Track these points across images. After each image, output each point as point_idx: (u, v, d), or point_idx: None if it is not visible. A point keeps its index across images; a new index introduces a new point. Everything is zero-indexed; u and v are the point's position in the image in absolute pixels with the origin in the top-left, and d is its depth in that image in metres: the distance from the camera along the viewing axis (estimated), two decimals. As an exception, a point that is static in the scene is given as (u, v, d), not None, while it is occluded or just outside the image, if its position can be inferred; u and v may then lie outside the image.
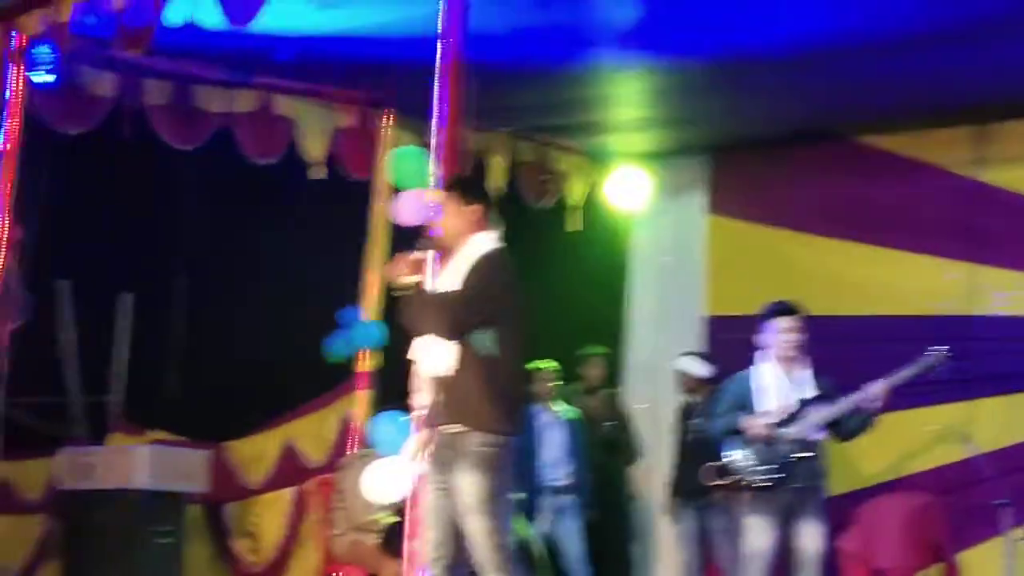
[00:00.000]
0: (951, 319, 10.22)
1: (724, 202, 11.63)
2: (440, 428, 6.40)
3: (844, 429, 8.27)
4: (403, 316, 6.50)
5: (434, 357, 6.35)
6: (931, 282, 10.41)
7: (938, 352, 8.28)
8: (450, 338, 6.28)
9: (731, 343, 11.16)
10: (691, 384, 10.51)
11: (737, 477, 8.22)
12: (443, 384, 6.36)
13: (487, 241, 6.53)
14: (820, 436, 8.20)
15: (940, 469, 10.03)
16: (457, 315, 6.25)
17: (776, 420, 8.12)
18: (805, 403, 8.17)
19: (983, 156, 10.26)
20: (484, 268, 6.38)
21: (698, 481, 10.20)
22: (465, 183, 6.84)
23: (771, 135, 10.91)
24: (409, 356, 6.61)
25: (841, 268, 10.80)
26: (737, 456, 8.19)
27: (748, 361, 10.39)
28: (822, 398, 8.18)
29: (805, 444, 8.14)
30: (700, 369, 10.49)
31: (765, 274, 11.28)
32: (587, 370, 11.06)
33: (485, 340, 6.30)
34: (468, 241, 6.52)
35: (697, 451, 10.31)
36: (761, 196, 11.36)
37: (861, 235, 10.77)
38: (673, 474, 10.75)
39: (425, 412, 6.59)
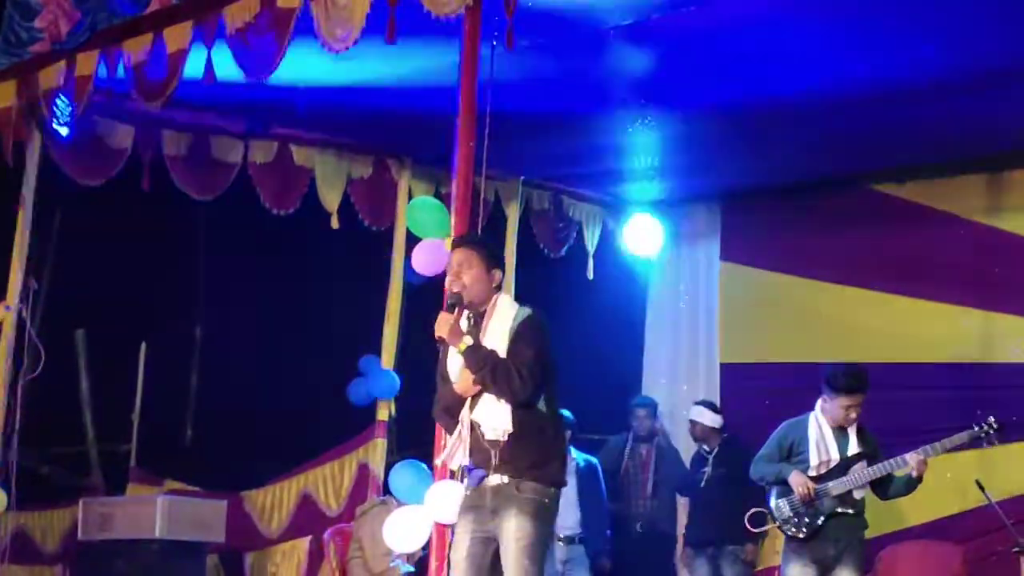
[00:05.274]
0: (965, 366, 10.23)
1: (737, 249, 11.66)
2: (489, 479, 6.41)
3: (889, 491, 8.34)
4: (469, 374, 6.42)
5: (491, 415, 6.37)
6: (946, 330, 10.41)
7: (983, 427, 8.28)
8: (516, 405, 6.35)
9: (744, 391, 11.21)
10: (703, 433, 10.51)
11: (777, 524, 8.29)
12: (499, 440, 6.38)
13: (511, 303, 6.54)
14: (861, 493, 8.23)
15: (957, 516, 10.01)
16: (525, 386, 6.29)
17: (820, 475, 8.14)
18: (849, 460, 8.20)
19: (997, 204, 10.29)
20: (533, 334, 6.40)
21: (711, 529, 10.24)
22: (491, 249, 6.73)
23: (784, 183, 10.94)
24: (466, 413, 6.54)
25: (855, 316, 10.80)
26: (782, 505, 8.22)
27: (761, 409, 10.46)
28: (864, 455, 8.20)
29: (847, 500, 8.17)
30: (710, 419, 10.49)
31: (778, 322, 11.31)
32: (636, 419, 11.05)
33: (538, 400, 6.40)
34: (494, 302, 6.50)
35: (710, 499, 10.33)
36: (774, 243, 11.38)
37: (875, 283, 10.78)
38: (686, 522, 10.75)
39: (467, 463, 6.53)
